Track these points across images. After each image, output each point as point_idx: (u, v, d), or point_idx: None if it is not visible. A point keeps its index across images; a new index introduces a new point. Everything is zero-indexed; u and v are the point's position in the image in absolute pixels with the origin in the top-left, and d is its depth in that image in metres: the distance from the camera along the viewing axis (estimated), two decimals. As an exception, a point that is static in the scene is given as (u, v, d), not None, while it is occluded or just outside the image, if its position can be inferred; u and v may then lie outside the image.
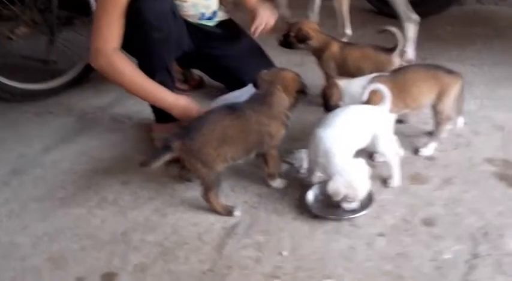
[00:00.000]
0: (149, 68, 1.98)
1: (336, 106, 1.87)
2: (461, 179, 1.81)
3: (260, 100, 1.77)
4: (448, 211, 1.67)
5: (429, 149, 1.95)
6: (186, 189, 1.87)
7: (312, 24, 2.37)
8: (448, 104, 1.88)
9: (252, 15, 2.31)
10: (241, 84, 2.22)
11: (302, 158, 1.94)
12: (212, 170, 1.67)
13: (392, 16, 3.03)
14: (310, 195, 1.72)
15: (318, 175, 1.79)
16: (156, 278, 1.49)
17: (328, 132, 1.67)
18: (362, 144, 1.73)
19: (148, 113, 2.24)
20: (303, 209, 1.71)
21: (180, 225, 1.70)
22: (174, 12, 2.06)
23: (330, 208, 1.67)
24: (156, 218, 1.74)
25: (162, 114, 2.09)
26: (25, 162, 2.13)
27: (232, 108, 1.74)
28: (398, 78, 1.88)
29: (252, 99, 1.79)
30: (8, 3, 2.69)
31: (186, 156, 1.67)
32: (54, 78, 2.71)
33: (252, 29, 2.28)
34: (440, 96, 1.87)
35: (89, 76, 2.78)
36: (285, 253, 1.54)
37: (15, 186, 1.98)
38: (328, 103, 1.92)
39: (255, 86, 1.87)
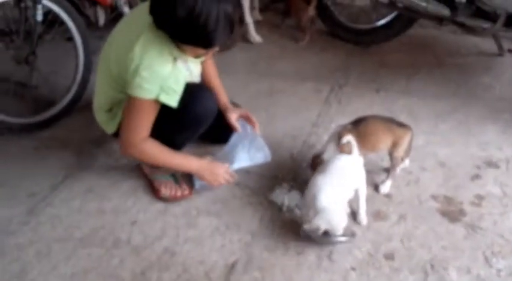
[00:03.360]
0: (174, 144, 2.29)
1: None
2: (412, 216, 2.22)
3: None
4: (404, 245, 2.08)
5: (386, 186, 2.35)
6: (188, 228, 2.21)
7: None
8: (400, 152, 2.29)
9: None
10: None
11: (283, 196, 2.32)
12: None
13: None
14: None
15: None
16: (177, 315, 1.85)
17: (318, 177, 2.06)
18: (351, 191, 2.12)
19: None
20: (289, 246, 2.09)
21: (188, 263, 2.04)
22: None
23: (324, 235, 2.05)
24: (167, 257, 2.07)
25: None
26: (36, 201, 2.39)
27: None
28: (360, 129, 2.25)
29: None
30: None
31: None
32: (46, 110, 2.94)
33: (258, 130, 2.48)
34: (394, 145, 2.27)
35: (77, 106, 3.04)
36: (278, 288, 1.93)
37: (34, 226, 2.25)
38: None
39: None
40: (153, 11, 1.95)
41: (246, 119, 2.48)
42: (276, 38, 3.96)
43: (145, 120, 2.11)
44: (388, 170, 2.40)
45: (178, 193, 2.36)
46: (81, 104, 3.03)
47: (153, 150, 2.18)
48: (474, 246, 2.07)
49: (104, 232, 2.21)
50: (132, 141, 2.14)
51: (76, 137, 2.85)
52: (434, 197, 2.31)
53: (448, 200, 2.30)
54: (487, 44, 3.63)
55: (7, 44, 2.96)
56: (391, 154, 2.31)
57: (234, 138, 2.48)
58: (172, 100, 2.06)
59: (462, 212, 2.23)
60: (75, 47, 3.02)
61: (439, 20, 3.11)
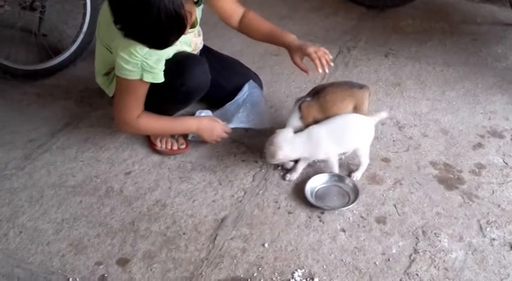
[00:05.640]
0: (167, 112, 2.28)
1: None
2: (409, 181, 2.18)
3: None
4: (397, 210, 2.05)
5: None
6: (181, 182, 2.20)
7: None
8: (365, 112, 2.23)
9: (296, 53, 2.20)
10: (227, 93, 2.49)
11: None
12: None
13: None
14: (308, 188, 2.11)
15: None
16: (162, 265, 1.84)
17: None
18: (346, 146, 2.16)
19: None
20: (281, 205, 2.08)
21: (178, 216, 2.04)
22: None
23: (325, 199, 2.10)
24: (158, 209, 2.07)
25: None
26: (34, 147, 2.40)
27: None
28: (320, 100, 2.18)
29: None
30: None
31: None
32: (51, 58, 2.92)
33: (320, 69, 2.12)
34: (357, 108, 2.21)
35: (83, 55, 3.02)
36: (266, 245, 1.91)
37: (30, 172, 2.26)
38: None
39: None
40: (110, 4, 1.80)
41: (309, 57, 2.15)
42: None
43: (136, 99, 2.08)
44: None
45: (175, 147, 2.34)
46: (87, 53, 3.00)
47: (148, 125, 2.16)
48: (469, 214, 2.03)
49: (98, 181, 2.21)
50: (125, 120, 2.11)
51: (79, 86, 2.85)
52: (433, 164, 2.27)
53: (447, 167, 2.25)
54: (504, 13, 3.50)
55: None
56: None
57: (238, 97, 2.45)
58: (157, 78, 2.01)
59: (460, 180, 2.18)
60: (83, -4, 2.98)
61: (456, -16, 3.01)
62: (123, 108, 2.09)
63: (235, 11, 2.31)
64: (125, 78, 1.99)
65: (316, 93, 2.21)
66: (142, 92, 2.06)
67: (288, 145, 2.08)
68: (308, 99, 2.20)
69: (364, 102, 2.21)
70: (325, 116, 2.17)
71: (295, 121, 2.18)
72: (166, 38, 1.80)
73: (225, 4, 2.18)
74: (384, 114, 2.21)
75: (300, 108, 2.18)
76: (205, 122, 2.26)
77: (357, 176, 2.18)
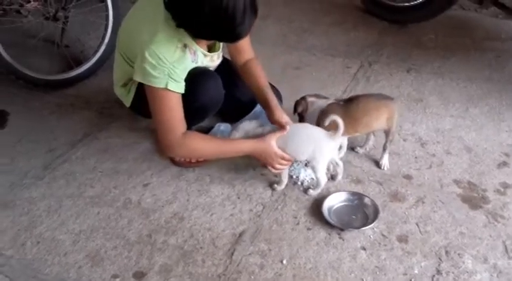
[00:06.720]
0: None
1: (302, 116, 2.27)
2: (432, 199, 2.13)
3: None
4: (419, 229, 2.00)
5: (385, 160, 2.30)
6: (199, 194, 2.18)
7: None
8: (395, 124, 2.22)
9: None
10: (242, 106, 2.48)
11: (300, 170, 2.26)
12: None
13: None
14: (325, 207, 2.06)
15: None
16: (178, 279, 1.81)
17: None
18: (300, 155, 2.11)
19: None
20: (300, 220, 2.04)
21: (196, 229, 2.01)
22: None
23: (344, 218, 2.06)
24: (175, 221, 2.05)
25: None
26: (54, 157, 2.40)
27: None
28: (351, 109, 2.16)
29: None
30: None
31: None
32: (72, 68, 2.94)
33: None
34: (389, 120, 2.19)
35: (104, 65, 3.03)
36: (284, 262, 1.87)
37: (48, 182, 2.26)
38: (296, 112, 2.30)
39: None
40: (171, 8, 1.85)
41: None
42: (308, 11, 3.86)
43: (172, 113, 1.99)
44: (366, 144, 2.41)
45: (193, 159, 2.32)
46: (109, 64, 3.00)
47: (198, 145, 2.07)
48: (494, 235, 1.97)
49: (116, 192, 2.20)
50: (169, 141, 2.02)
51: (100, 97, 2.86)
52: (456, 182, 2.22)
53: (471, 186, 2.20)
54: (529, 30, 3.47)
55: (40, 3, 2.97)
56: (388, 130, 2.22)
57: (256, 109, 2.45)
58: (181, 88, 1.99)
59: (485, 200, 2.13)
60: (106, 7, 3.01)
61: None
62: (163, 128, 2.02)
63: (245, 51, 2.32)
64: (151, 87, 1.95)
65: (350, 101, 2.22)
66: (175, 104, 1.99)
67: (241, 133, 2.15)
68: (341, 103, 2.21)
69: (395, 114, 2.20)
70: (352, 127, 2.15)
71: (314, 116, 2.19)
72: (245, 28, 1.84)
73: (242, 41, 2.05)
74: (340, 130, 2.05)
75: (328, 109, 2.17)
76: (261, 148, 2.07)
77: (311, 192, 2.16)
